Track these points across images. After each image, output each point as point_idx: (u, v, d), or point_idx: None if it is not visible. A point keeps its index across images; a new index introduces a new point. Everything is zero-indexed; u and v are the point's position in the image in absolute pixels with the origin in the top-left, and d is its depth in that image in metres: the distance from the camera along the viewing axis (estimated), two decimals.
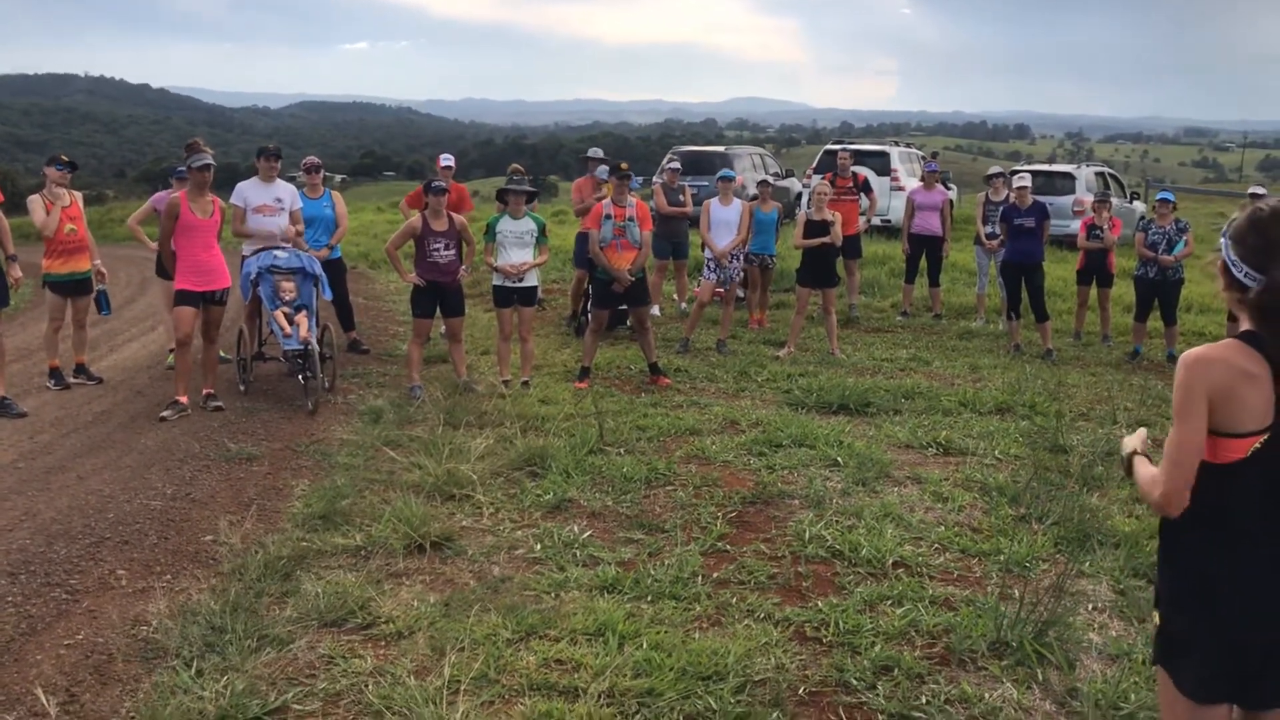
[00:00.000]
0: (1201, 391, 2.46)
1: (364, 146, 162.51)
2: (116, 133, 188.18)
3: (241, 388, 8.82)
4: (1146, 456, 2.72)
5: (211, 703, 3.74)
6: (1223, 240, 2.57)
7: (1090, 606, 4.80)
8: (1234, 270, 2.53)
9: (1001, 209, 11.62)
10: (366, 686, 3.95)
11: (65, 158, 8.90)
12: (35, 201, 8.59)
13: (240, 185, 9.00)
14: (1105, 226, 11.76)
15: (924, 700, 3.95)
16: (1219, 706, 2.57)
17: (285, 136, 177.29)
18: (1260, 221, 2.49)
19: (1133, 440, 2.79)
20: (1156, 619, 2.69)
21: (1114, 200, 13.38)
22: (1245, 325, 2.52)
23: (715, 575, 5.08)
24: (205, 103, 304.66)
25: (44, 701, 3.77)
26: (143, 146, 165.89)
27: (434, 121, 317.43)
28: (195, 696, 3.77)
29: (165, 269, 9.52)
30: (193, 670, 4.00)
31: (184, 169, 9.71)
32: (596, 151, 12.17)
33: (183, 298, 7.96)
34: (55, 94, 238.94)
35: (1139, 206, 21.20)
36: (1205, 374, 2.46)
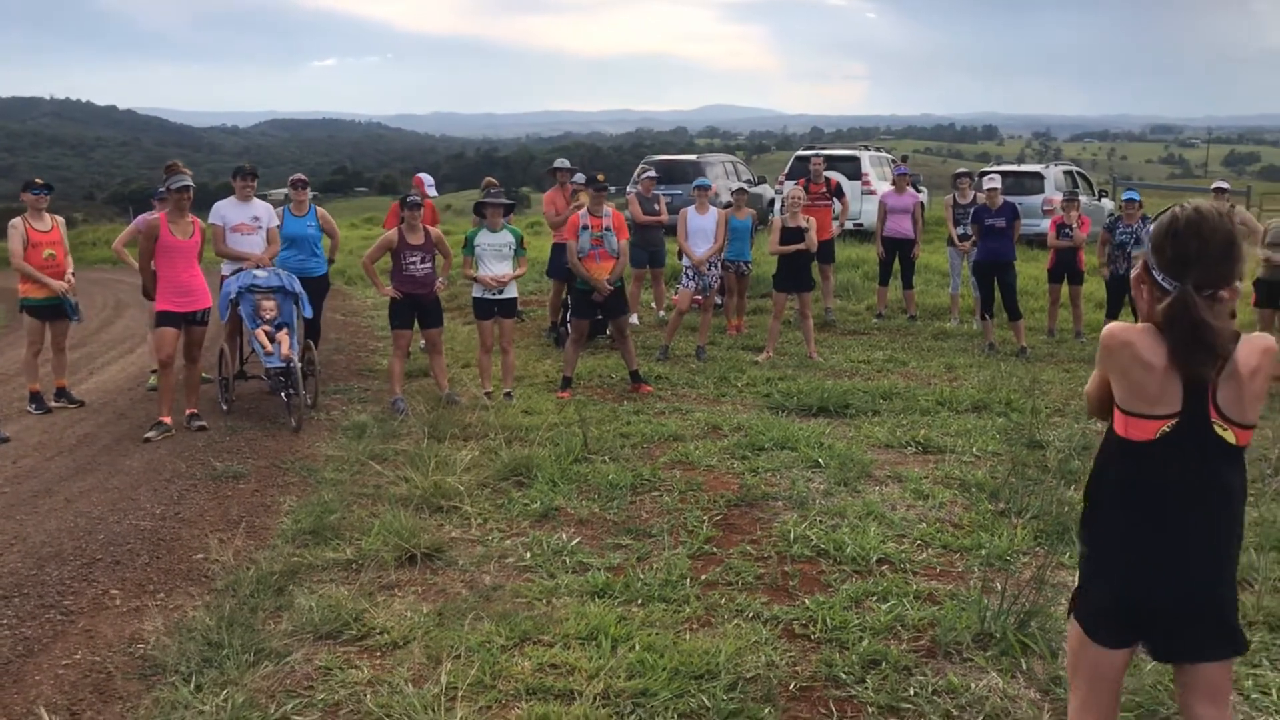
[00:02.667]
0: (1104, 365, 2.73)
1: (334, 163, 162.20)
2: (85, 155, 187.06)
3: (224, 407, 8.84)
4: None
5: (212, 716, 3.79)
6: (1146, 242, 2.74)
7: (1070, 597, 4.90)
8: (1154, 273, 2.67)
9: (973, 210, 11.78)
10: (365, 696, 4.00)
11: (40, 181, 8.91)
12: (15, 227, 8.60)
13: (218, 205, 9.04)
14: (1074, 225, 11.95)
15: (912, 692, 4.04)
16: (1118, 652, 2.77)
17: (255, 155, 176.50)
18: (1177, 234, 2.62)
19: None
20: (1078, 578, 2.91)
21: (1082, 198, 13.58)
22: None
23: (703, 577, 5.16)
24: (173, 123, 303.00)
25: (45, 719, 3.81)
26: (111, 168, 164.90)
27: (404, 136, 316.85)
28: (196, 711, 3.82)
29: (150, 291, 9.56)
30: (192, 685, 4.04)
31: (164, 190, 9.73)
32: (563, 162, 12.25)
33: (164, 318, 7.98)
34: (21, 117, 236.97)
35: (1107, 204, 21.47)
36: (1107, 355, 2.69)
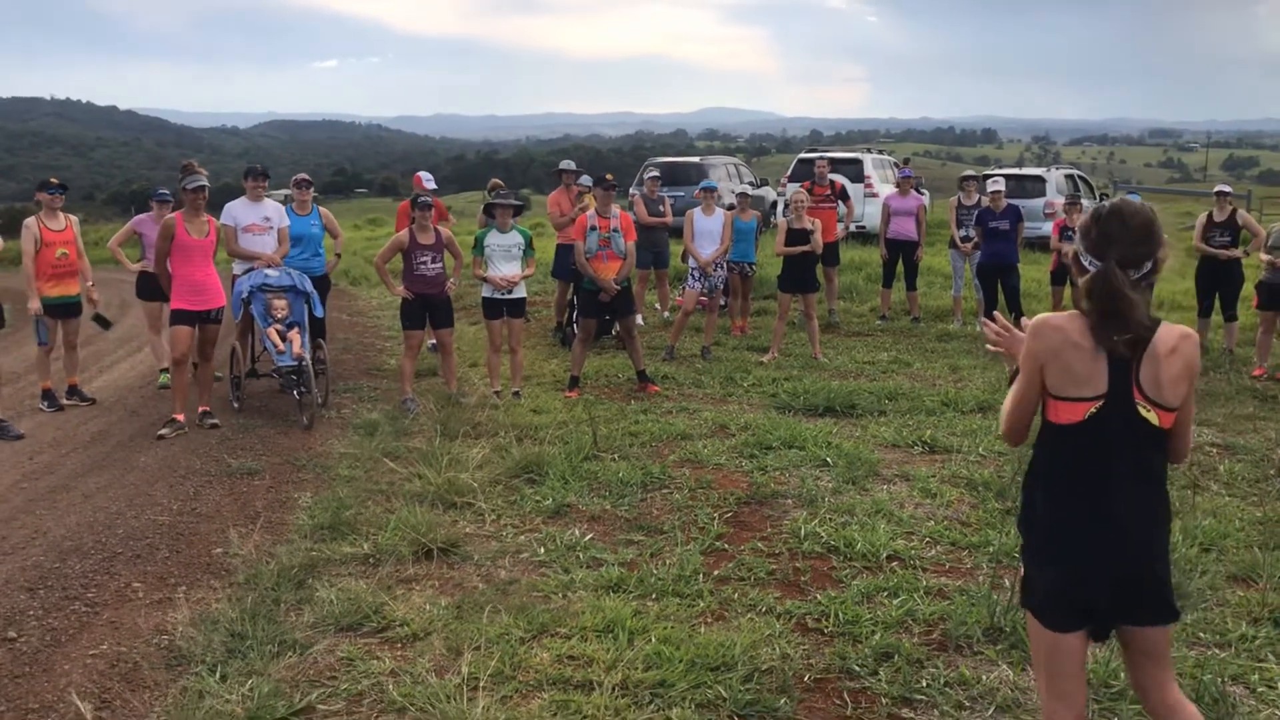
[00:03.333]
0: (1034, 352, 2.85)
1: (334, 164, 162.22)
2: (85, 155, 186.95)
3: (235, 405, 8.92)
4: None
5: (239, 705, 3.87)
6: (1076, 236, 2.96)
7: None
8: (1082, 259, 2.88)
9: (977, 212, 11.87)
10: (388, 686, 4.08)
11: (55, 180, 9.00)
12: (29, 226, 8.68)
13: (229, 205, 9.12)
14: (1077, 228, 12.03)
15: (925, 683, 4.12)
16: (1073, 635, 2.90)
17: (255, 156, 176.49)
18: (1101, 217, 2.87)
19: (1019, 349, 3.10)
20: (1021, 568, 3.06)
21: (1084, 202, 13.67)
22: None
23: (716, 573, 5.25)
24: (173, 123, 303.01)
25: (80, 707, 3.89)
26: (111, 169, 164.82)
27: (404, 138, 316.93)
28: (223, 700, 3.90)
29: (145, 291, 9.65)
30: (217, 675, 4.12)
31: (163, 191, 9.80)
32: (569, 164, 12.34)
33: (179, 317, 8.06)
34: (22, 117, 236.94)
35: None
36: (1038, 339, 2.85)
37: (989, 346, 3.32)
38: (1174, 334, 2.81)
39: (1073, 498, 2.87)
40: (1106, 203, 2.92)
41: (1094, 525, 2.83)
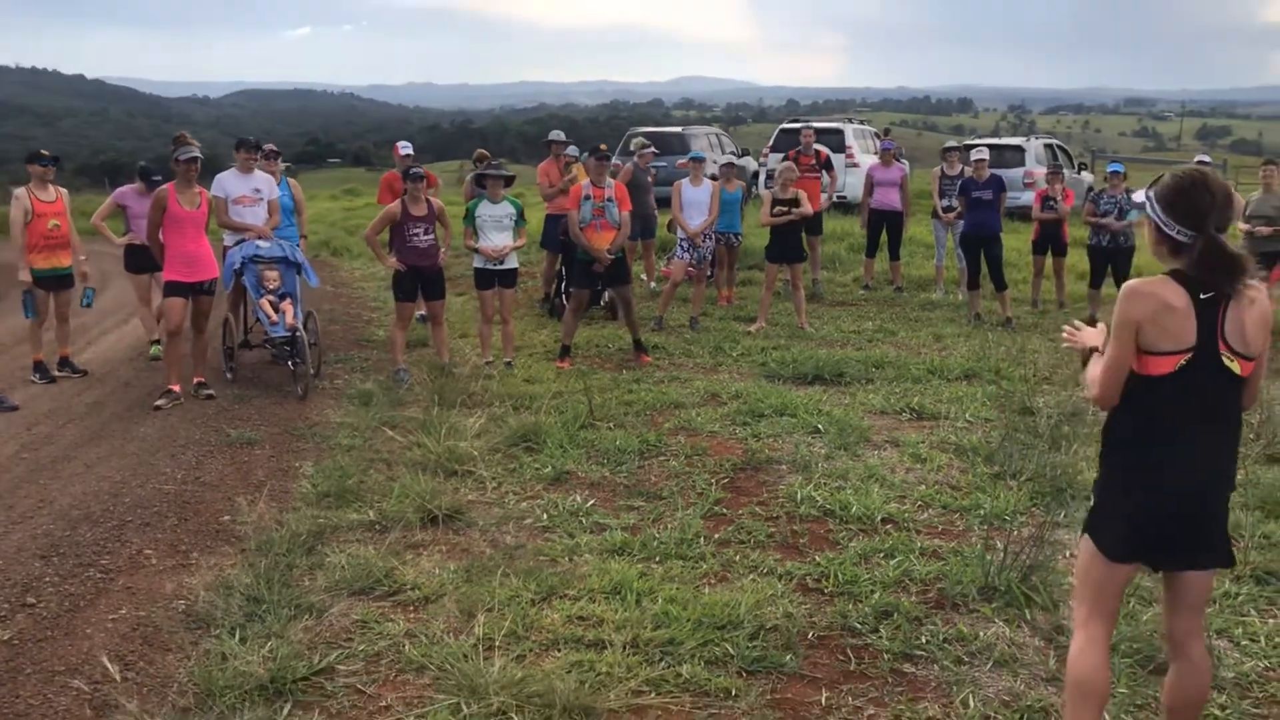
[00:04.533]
0: (1132, 318, 3.05)
1: (307, 134, 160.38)
2: (52, 125, 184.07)
3: (228, 375, 8.97)
4: (1100, 353, 3.30)
5: (260, 665, 3.97)
6: (1149, 204, 3.14)
7: (1068, 554, 5.14)
8: (1166, 229, 3.09)
9: (960, 182, 12.00)
10: (404, 646, 4.20)
11: (46, 153, 8.99)
12: (20, 197, 8.67)
13: (219, 177, 9.12)
14: (1059, 198, 12.20)
15: (924, 640, 4.28)
16: (1126, 566, 3.21)
17: (226, 126, 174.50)
18: (1187, 190, 3.07)
19: (1093, 337, 3.41)
20: (1092, 500, 3.34)
21: (1065, 171, 13.83)
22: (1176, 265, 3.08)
23: (716, 536, 5.38)
24: (143, 93, 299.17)
25: (109, 667, 3.99)
26: (79, 139, 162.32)
27: (377, 107, 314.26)
28: (245, 661, 4.00)
29: (133, 264, 9.65)
30: (237, 638, 4.22)
31: (156, 177, 9.69)
32: (558, 134, 12.36)
33: (172, 289, 8.10)
34: None
35: (1086, 177, 21.76)
36: (1136, 305, 3.04)
37: (1064, 343, 3.58)
38: (1251, 288, 3.05)
39: (1157, 441, 3.11)
40: (1185, 175, 3.11)
41: (1174, 467, 3.09)
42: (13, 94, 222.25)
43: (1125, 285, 3.12)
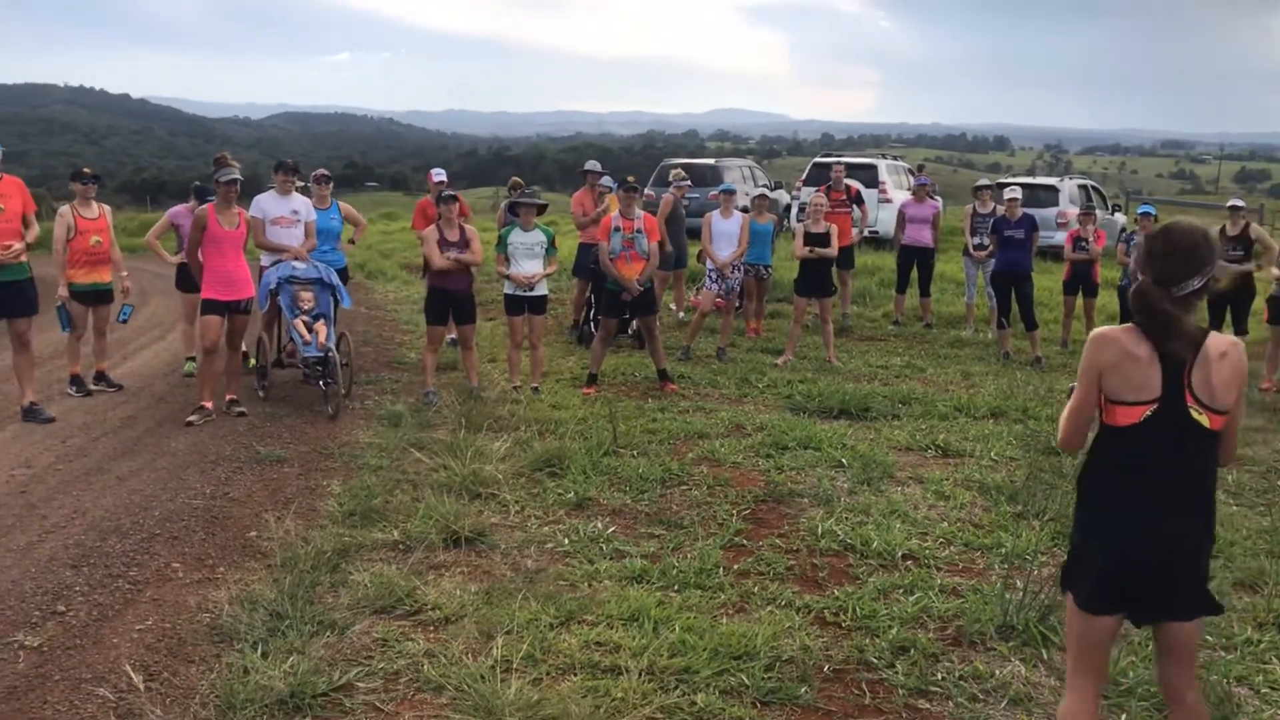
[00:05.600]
0: (1095, 365, 3.11)
1: (345, 157, 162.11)
2: (97, 143, 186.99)
3: (261, 394, 9.09)
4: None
5: (281, 680, 4.03)
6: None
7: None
8: (1138, 273, 3.19)
9: (992, 220, 12.02)
10: (423, 666, 4.25)
11: (89, 170, 9.19)
12: (63, 215, 8.88)
13: (258, 198, 9.29)
14: (1091, 238, 12.19)
15: (940, 676, 4.29)
16: (1107, 618, 3.19)
17: (266, 147, 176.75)
18: (1153, 236, 3.17)
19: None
20: (1068, 553, 3.34)
21: (1097, 212, 13.81)
22: None
23: (736, 567, 5.41)
24: (186, 113, 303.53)
25: (133, 677, 4.07)
26: (122, 157, 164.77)
27: (415, 132, 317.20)
28: (266, 675, 4.06)
29: (184, 282, 9.81)
30: (259, 652, 4.29)
31: (202, 185, 9.96)
32: (594, 164, 12.50)
33: (209, 307, 8.24)
34: (34, 104, 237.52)
35: (1120, 218, 21.68)
36: (1098, 351, 3.11)
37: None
38: (1224, 342, 3.08)
39: (1124, 492, 3.12)
40: (1162, 225, 3.20)
41: (1141, 518, 3.10)
42: (60, 112, 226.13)
43: (1094, 331, 3.18)
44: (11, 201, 7.86)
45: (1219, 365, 3.03)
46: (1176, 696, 3.27)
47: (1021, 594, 4.86)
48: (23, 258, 7.97)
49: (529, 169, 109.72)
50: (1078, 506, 3.30)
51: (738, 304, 12.03)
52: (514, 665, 4.21)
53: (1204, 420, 3.04)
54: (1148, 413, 3.04)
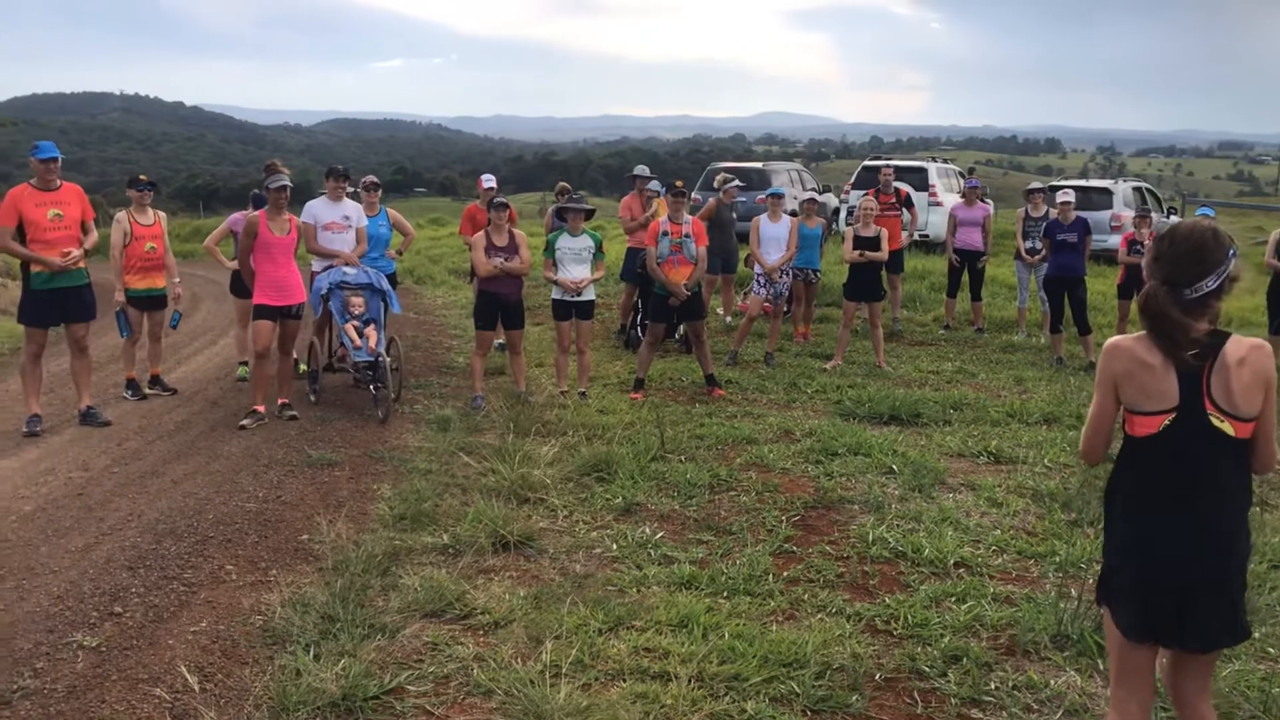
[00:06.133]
0: (1109, 374, 3.03)
1: (394, 163, 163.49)
2: (151, 150, 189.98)
3: (312, 398, 9.18)
4: None
5: (333, 683, 4.06)
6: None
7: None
8: (1146, 279, 3.07)
9: (1045, 224, 11.87)
10: (473, 670, 4.26)
11: (145, 177, 9.34)
12: (120, 221, 9.04)
13: (310, 204, 9.39)
14: (1146, 241, 11.99)
15: (993, 686, 4.23)
16: (1144, 647, 3.06)
17: (317, 153, 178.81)
18: (1158, 239, 3.07)
19: None
20: (1101, 568, 3.22)
21: (1154, 215, 13.60)
22: None
23: (785, 574, 5.38)
24: (238, 120, 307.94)
25: (188, 678, 4.12)
26: (176, 164, 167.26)
27: (464, 138, 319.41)
28: (318, 677, 4.09)
29: (238, 288, 9.94)
30: (311, 655, 4.32)
31: (261, 193, 10.10)
32: (643, 169, 12.51)
33: (261, 312, 8.33)
34: (91, 112, 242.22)
35: (1176, 220, 21.32)
36: (1112, 361, 3.02)
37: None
38: (1244, 345, 2.94)
39: (1149, 506, 3.01)
40: (1172, 226, 3.08)
41: (1168, 536, 2.96)
42: (115, 120, 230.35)
43: (1108, 341, 3.08)
44: (71, 209, 8.00)
45: (1238, 371, 2.89)
46: (1191, 709, 3.15)
47: (1076, 603, 4.78)
48: (81, 264, 8.11)
49: (575, 174, 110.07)
50: (1106, 520, 3.20)
51: (786, 309, 11.98)
52: (563, 670, 4.21)
53: (1228, 428, 2.90)
54: (1166, 422, 2.93)
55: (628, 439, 7.77)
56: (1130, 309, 12.24)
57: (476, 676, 4.21)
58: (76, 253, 8.00)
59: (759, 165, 22.19)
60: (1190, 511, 2.95)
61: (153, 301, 9.33)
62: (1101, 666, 4.38)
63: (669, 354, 11.48)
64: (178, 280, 9.56)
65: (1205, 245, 2.95)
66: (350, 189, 9.70)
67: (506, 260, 9.00)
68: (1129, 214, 16.79)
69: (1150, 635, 3.03)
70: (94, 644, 4.44)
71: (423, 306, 15.83)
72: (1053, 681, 4.27)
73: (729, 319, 13.38)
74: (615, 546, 5.74)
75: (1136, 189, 21.14)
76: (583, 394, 9.33)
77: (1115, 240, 15.26)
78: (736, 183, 12.78)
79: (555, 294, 9.36)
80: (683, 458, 7.45)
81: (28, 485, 6.67)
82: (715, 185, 13.03)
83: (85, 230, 8.17)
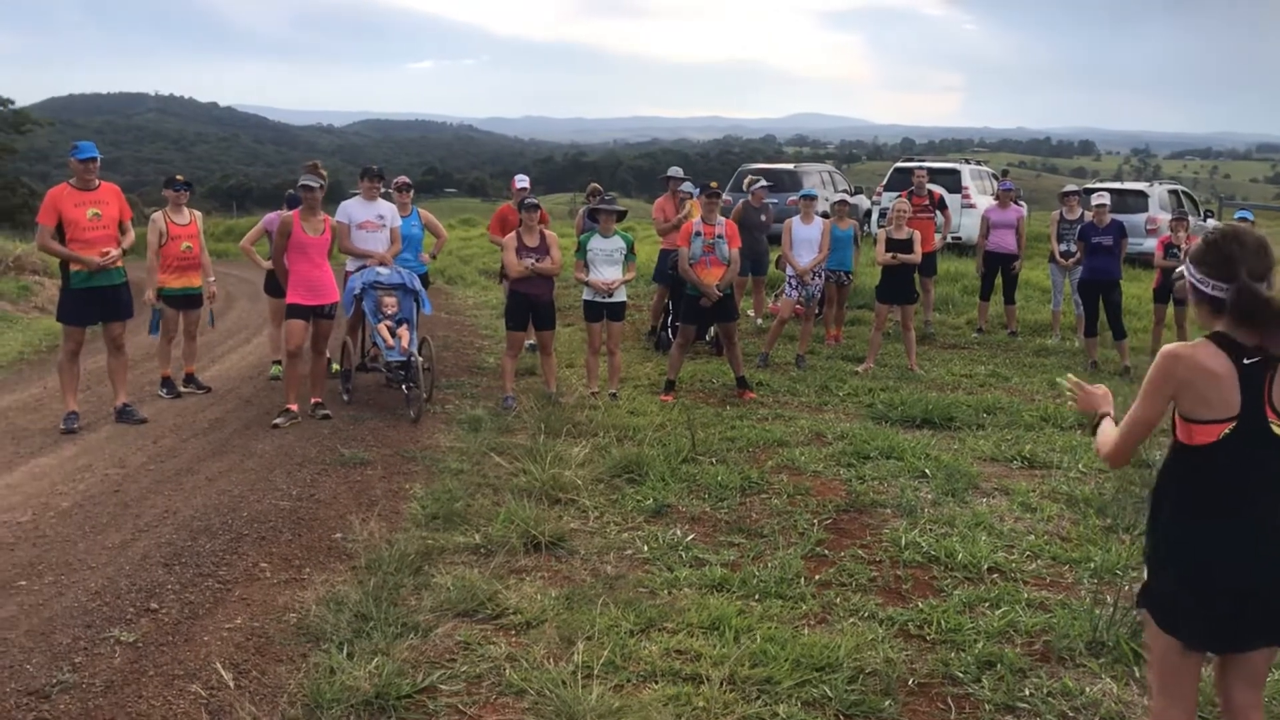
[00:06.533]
0: (1167, 382, 2.93)
1: (425, 164, 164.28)
2: (185, 150, 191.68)
3: (345, 397, 9.23)
4: (1115, 420, 3.22)
5: (366, 681, 4.08)
6: (1186, 269, 3.03)
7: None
8: (1202, 287, 2.97)
9: (1079, 227, 11.78)
10: (505, 670, 4.27)
11: (181, 178, 9.42)
12: (156, 221, 9.13)
13: (345, 203, 9.45)
14: (1183, 245, 11.86)
15: (1028, 692, 4.19)
16: (1192, 655, 3.03)
17: (348, 154, 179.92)
18: (1216, 242, 2.97)
19: (1103, 401, 3.35)
20: (1145, 574, 3.16)
21: (1190, 219, 13.47)
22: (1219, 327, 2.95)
23: (817, 577, 5.35)
24: (271, 120, 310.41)
25: (223, 674, 4.15)
26: (210, 164, 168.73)
27: (494, 139, 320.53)
28: (351, 675, 4.12)
29: (272, 287, 10.02)
30: (345, 653, 4.35)
31: (296, 194, 10.18)
32: (677, 171, 12.51)
33: (294, 311, 8.39)
34: (127, 112, 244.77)
35: (1212, 224, 21.09)
36: (1173, 368, 2.92)
37: (1067, 393, 3.50)
38: None
39: (1204, 514, 2.97)
40: (1213, 231, 3.03)
41: (1223, 540, 2.93)
42: (150, 120, 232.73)
43: (1165, 348, 2.99)
44: (109, 208, 8.08)
45: None
46: (1240, 716, 3.12)
47: (1112, 609, 4.74)
48: (119, 263, 8.19)
49: (605, 175, 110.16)
50: (1153, 528, 3.12)
51: (818, 311, 11.94)
52: (595, 671, 4.21)
53: None
54: (1226, 430, 2.89)
55: (658, 441, 7.76)
56: (1166, 313, 12.12)
57: (509, 676, 4.22)
58: (115, 252, 8.08)
59: (791, 167, 22.16)
60: (1247, 517, 2.93)
61: (189, 300, 9.41)
62: (1138, 674, 4.34)
63: (699, 356, 11.47)
64: (213, 279, 9.65)
65: (1265, 244, 2.95)
66: (383, 190, 9.76)
67: (537, 261, 9.02)
68: (1164, 217, 16.61)
69: (1208, 642, 3.01)
70: (131, 639, 4.48)
71: (454, 307, 15.90)
72: (1088, 689, 4.22)
73: (759, 321, 13.35)
74: (646, 548, 5.74)
75: (1172, 192, 20.93)
76: (613, 395, 9.33)
77: (1151, 244, 15.13)
78: (762, 183, 12.75)
79: (586, 295, 9.37)
80: (714, 460, 7.44)
81: (65, 482, 6.75)
82: (745, 187, 13.01)
83: (123, 230, 8.25)
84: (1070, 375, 3.61)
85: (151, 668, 4.25)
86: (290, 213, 8.59)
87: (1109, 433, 3.18)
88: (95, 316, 8.22)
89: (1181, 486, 3.03)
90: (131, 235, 8.37)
